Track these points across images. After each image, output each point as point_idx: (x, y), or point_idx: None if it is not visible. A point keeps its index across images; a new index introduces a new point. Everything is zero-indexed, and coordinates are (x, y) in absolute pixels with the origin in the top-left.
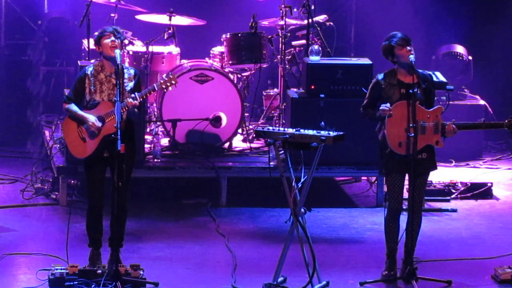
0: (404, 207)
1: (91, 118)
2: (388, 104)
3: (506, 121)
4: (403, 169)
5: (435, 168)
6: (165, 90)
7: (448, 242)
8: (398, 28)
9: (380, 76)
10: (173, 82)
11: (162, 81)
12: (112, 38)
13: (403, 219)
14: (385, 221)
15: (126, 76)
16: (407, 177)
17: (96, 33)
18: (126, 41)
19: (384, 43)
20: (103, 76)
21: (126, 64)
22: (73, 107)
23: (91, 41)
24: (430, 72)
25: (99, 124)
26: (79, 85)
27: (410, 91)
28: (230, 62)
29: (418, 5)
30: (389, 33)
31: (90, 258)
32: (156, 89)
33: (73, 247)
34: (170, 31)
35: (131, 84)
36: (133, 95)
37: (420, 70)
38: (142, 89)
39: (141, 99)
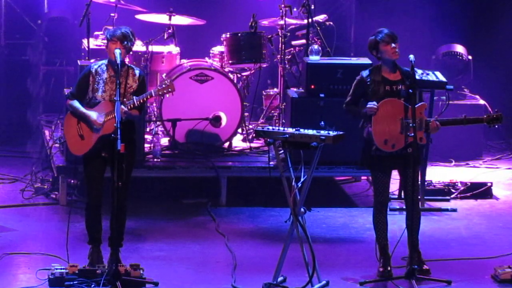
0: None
1: (93, 115)
2: (374, 102)
3: (485, 116)
4: (388, 166)
5: (421, 162)
6: (162, 97)
7: (448, 241)
8: (398, 27)
9: (365, 73)
10: (170, 89)
11: (159, 88)
12: (118, 46)
13: (401, 218)
14: (372, 216)
15: (131, 77)
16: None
17: (105, 33)
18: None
19: (370, 38)
20: (107, 76)
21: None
22: (76, 104)
23: (91, 40)
24: (425, 70)
25: (101, 120)
26: (83, 82)
27: (410, 90)
28: (230, 61)
29: (418, 4)
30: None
31: (89, 256)
32: (153, 95)
33: (73, 247)
34: (170, 31)
35: (134, 86)
36: (129, 102)
37: (414, 69)
38: (147, 90)
39: (138, 103)
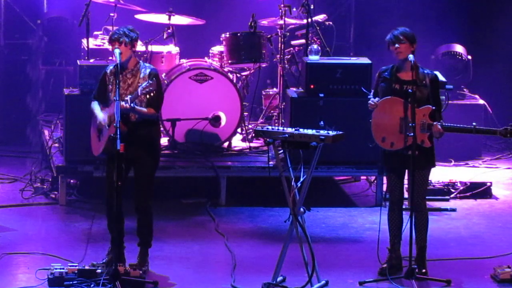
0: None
1: (100, 116)
2: (377, 99)
3: (501, 129)
4: (394, 164)
5: (431, 165)
6: (147, 96)
7: (448, 241)
8: (397, 27)
9: (383, 68)
10: (151, 88)
11: (144, 86)
12: (116, 46)
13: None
14: (387, 213)
15: (141, 75)
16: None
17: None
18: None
19: None
20: (120, 76)
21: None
22: (93, 105)
23: (91, 40)
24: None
25: (105, 121)
26: (101, 84)
27: (410, 90)
28: (230, 61)
29: (417, 4)
30: (388, 32)
31: (108, 254)
32: (139, 94)
33: (73, 247)
34: (169, 31)
35: (144, 84)
36: (126, 98)
37: (426, 70)
38: (160, 87)
39: (131, 104)
